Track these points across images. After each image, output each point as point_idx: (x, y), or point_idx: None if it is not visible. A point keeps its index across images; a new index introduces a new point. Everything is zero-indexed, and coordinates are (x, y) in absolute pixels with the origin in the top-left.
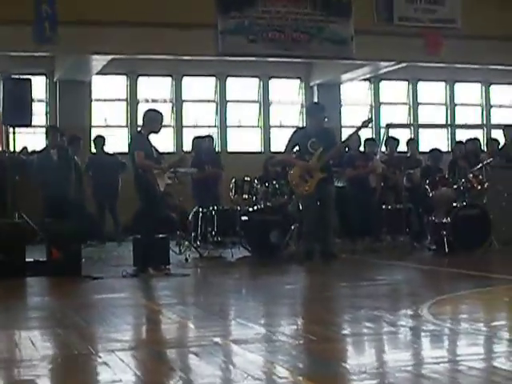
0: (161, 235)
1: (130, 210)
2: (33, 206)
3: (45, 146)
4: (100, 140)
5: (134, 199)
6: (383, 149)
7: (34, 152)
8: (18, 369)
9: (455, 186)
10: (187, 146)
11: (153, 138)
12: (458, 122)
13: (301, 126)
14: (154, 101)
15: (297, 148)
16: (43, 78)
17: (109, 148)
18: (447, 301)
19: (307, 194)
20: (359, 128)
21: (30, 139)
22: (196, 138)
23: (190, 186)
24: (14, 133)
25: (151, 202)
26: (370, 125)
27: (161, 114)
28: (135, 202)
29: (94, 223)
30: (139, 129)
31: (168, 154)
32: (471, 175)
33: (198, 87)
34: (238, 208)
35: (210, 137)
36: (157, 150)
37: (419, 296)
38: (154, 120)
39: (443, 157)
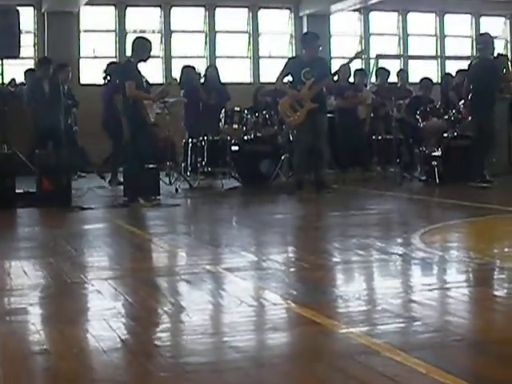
0: (150, 166)
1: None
2: (21, 137)
3: (36, 77)
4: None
5: None
6: (373, 79)
7: (22, 84)
8: (10, 297)
9: (446, 117)
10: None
11: (142, 68)
12: (448, 53)
13: (293, 55)
14: (142, 31)
15: (289, 78)
16: (31, 9)
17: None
18: (439, 230)
19: (297, 124)
20: (352, 59)
21: (18, 71)
22: (185, 68)
23: (180, 116)
24: (1, 65)
25: (140, 132)
26: (363, 56)
27: (150, 41)
28: None
29: (83, 155)
30: (128, 58)
31: (157, 84)
32: (462, 106)
33: (187, 18)
34: (228, 138)
35: (213, 66)
36: (146, 81)
37: (411, 225)
38: (143, 48)
39: (433, 88)
